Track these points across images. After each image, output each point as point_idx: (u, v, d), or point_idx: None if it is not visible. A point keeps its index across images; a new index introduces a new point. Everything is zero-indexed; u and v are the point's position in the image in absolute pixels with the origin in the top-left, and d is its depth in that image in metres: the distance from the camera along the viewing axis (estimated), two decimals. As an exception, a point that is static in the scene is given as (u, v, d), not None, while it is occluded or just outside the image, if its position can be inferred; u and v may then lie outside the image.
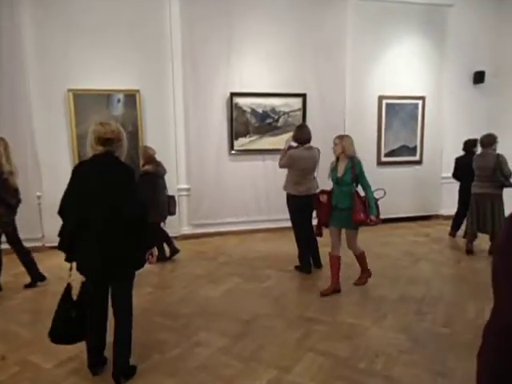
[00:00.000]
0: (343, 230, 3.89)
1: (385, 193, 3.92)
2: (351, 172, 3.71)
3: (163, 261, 4.99)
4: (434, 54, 6.80)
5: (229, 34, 5.83)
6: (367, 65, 6.50)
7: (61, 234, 2.27)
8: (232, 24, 5.82)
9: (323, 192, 3.94)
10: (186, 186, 6.05)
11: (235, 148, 6.08)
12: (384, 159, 6.81)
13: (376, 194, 3.87)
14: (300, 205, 4.36)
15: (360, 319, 3.40)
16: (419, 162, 6.98)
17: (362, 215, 3.65)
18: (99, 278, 2.39)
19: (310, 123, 6.16)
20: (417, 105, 6.82)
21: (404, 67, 6.67)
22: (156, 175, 4.76)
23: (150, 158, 4.79)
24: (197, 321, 3.42)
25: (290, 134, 4.60)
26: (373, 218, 3.71)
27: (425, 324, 3.32)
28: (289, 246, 5.08)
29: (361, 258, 4.07)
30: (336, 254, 3.93)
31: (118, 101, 5.61)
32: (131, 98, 5.63)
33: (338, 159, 3.83)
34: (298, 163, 4.26)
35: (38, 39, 5.27)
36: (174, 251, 5.06)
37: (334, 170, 3.83)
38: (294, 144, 4.45)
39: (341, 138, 3.81)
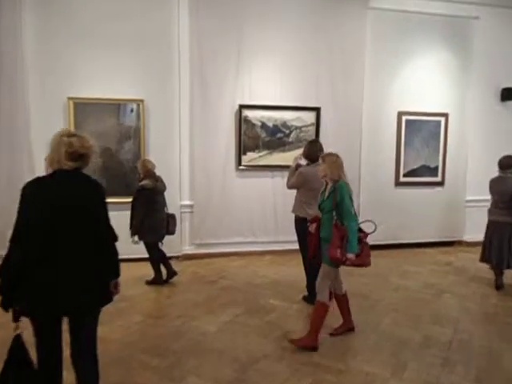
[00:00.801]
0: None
1: (376, 227, 3.13)
2: (333, 198, 3.08)
3: (160, 284, 4.58)
4: (458, 68, 6.37)
5: (239, 43, 5.52)
6: (386, 78, 6.10)
7: (4, 271, 1.84)
8: (243, 33, 5.51)
9: (314, 220, 3.34)
10: (189, 203, 5.67)
11: (243, 163, 5.69)
12: (403, 179, 6.33)
13: (366, 227, 3.21)
14: (308, 230, 3.91)
15: (377, 367, 2.91)
16: (441, 184, 6.48)
17: (338, 252, 2.96)
18: (58, 316, 1.94)
19: (323, 139, 5.77)
20: (439, 122, 6.35)
21: (426, 82, 6.25)
22: (154, 191, 4.39)
23: (149, 172, 4.44)
24: (187, 361, 2.97)
25: (300, 151, 4.19)
26: (350, 256, 2.96)
27: (454, 378, 2.81)
28: (297, 272, 4.61)
29: (340, 300, 3.45)
30: (338, 292, 3.44)
31: (132, 111, 5.32)
32: (134, 108, 5.31)
33: (326, 182, 3.26)
34: (309, 182, 3.85)
35: (40, 45, 5.02)
36: (172, 274, 4.64)
37: (322, 192, 3.29)
38: (303, 162, 4.05)
39: (323, 157, 3.23)
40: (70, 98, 5.11)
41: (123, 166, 5.37)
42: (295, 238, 4.16)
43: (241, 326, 3.59)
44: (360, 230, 3.15)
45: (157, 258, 4.57)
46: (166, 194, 5.46)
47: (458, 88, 6.40)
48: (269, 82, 5.68)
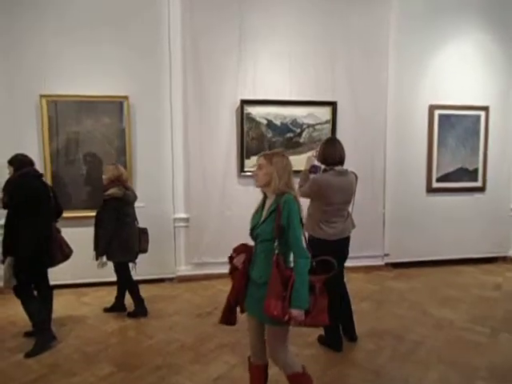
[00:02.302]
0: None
1: (335, 266, 2.17)
2: (274, 220, 2.03)
3: (120, 311, 3.91)
4: (501, 54, 5.39)
5: (240, 30, 4.69)
6: (415, 67, 5.17)
7: None
8: (245, 17, 4.68)
9: (241, 249, 2.25)
10: (184, 216, 4.85)
11: (246, 169, 4.84)
12: (436, 185, 5.37)
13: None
14: (327, 254, 3.03)
15: None
16: (481, 189, 5.49)
17: (278, 306, 1.93)
18: None
19: (341, 139, 4.91)
20: (478, 117, 5.39)
21: (462, 70, 5.30)
22: (125, 201, 3.64)
23: (118, 179, 3.66)
24: None
25: (313, 152, 3.31)
26: (296, 314, 1.94)
27: None
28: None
29: (293, 381, 2.17)
30: (255, 362, 2.23)
31: (121, 109, 4.54)
32: (117, 106, 4.54)
33: (265, 195, 2.23)
34: (328, 194, 2.97)
35: (7, 34, 4.30)
36: (139, 312, 3.84)
37: (257, 212, 2.22)
38: (319, 164, 3.18)
39: (268, 157, 2.13)
40: (42, 96, 4.37)
41: (106, 173, 4.59)
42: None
43: (236, 383, 2.72)
44: (313, 270, 2.09)
45: (129, 282, 3.85)
46: (158, 206, 4.72)
47: (500, 77, 5.42)
48: (276, 74, 4.83)
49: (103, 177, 3.75)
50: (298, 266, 2.00)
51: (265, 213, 2.13)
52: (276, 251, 2.02)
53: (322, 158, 3.05)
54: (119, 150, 4.58)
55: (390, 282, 4.81)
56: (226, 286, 4.66)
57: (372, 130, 5.07)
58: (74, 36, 4.39)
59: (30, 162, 3.31)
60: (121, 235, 3.60)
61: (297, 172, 4.50)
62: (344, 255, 3.19)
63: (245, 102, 4.73)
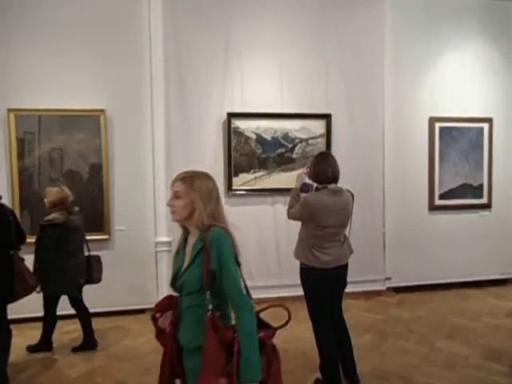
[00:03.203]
0: None
1: (289, 315, 1.70)
2: (202, 264, 1.53)
3: (44, 351, 3.47)
4: (503, 64, 5.11)
5: (227, 38, 4.38)
6: (413, 76, 4.86)
7: None
8: (231, 25, 4.38)
9: (166, 305, 1.69)
10: (166, 239, 4.43)
11: (234, 187, 4.47)
12: (439, 202, 5.01)
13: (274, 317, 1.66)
14: (322, 284, 2.65)
15: None
16: (487, 206, 5.13)
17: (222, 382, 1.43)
18: None
19: (336, 154, 4.49)
20: (481, 129, 5.07)
21: (462, 80, 5.00)
22: (65, 227, 3.27)
23: (60, 202, 3.31)
24: None
25: (304, 168, 2.94)
26: None
27: None
28: (307, 334, 3.31)
29: None
30: None
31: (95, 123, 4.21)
32: (93, 120, 4.18)
33: (185, 229, 1.70)
34: (320, 216, 2.59)
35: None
36: (89, 343, 3.50)
37: (178, 253, 1.70)
38: (311, 182, 2.82)
39: (187, 181, 1.61)
40: (10, 110, 4.01)
41: (87, 195, 4.19)
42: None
43: None
44: (263, 324, 1.59)
45: (50, 319, 3.49)
46: (138, 229, 4.34)
47: (503, 88, 5.12)
48: (265, 85, 4.50)
49: (45, 200, 3.38)
50: (243, 323, 1.47)
51: (188, 255, 1.59)
52: (209, 306, 1.50)
53: (314, 174, 2.68)
54: (95, 167, 4.21)
55: (394, 310, 4.38)
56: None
57: (369, 143, 4.73)
58: (46, 46, 4.07)
59: None
60: (58, 265, 3.21)
61: (288, 190, 4.15)
62: (342, 285, 2.80)
63: (232, 116, 4.39)
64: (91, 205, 4.18)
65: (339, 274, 2.71)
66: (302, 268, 2.74)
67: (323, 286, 2.67)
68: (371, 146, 4.74)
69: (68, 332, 3.84)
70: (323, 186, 2.63)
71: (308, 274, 2.68)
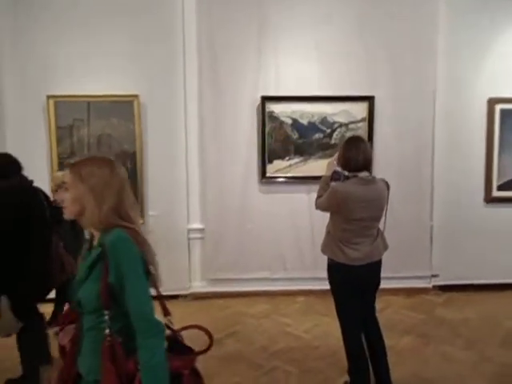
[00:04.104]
0: None
1: (211, 342, 1.46)
2: (100, 276, 1.24)
3: None
4: None
5: (261, 13, 4.12)
6: (469, 52, 4.33)
7: None
8: (265, 2, 4.14)
9: (72, 317, 1.40)
10: (199, 226, 4.38)
11: (268, 174, 4.29)
12: (496, 194, 4.48)
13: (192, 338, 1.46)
14: (351, 282, 2.42)
15: None
16: (555, 199, 4.53)
17: None
18: None
19: (380, 139, 4.25)
20: (551, 111, 4.45)
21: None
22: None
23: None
24: None
25: (335, 155, 2.68)
26: None
27: None
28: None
29: None
30: None
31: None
32: (127, 106, 4.17)
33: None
34: (349, 207, 2.34)
35: (13, 33, 4.08)
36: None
37: (83, 259, 1.38)
38: (341, 170, 2.56)
39: (74, 169, 1.31)
40: (49, 97, 4.10)
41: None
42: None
43: None
44: (181, 349, 1.38)
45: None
46: (170, 216, 4.32)
47: None
48: (302, 66, 4.22)
49: (51, 184, 3.32)
50: (145, 353, 1.18)
51: (87, 263, 1.28)
52: (106, 330, 1.22)
53: (343, 161, 2.43)
54: (128, 154, 4.21)
55: (440, 311, 4.02)
56: (244, 307, 4.18)
57: (417, 128, 4.32)
58: (81, 35, 4.07)
59: (17, 167, 2.74)
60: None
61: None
62: (374, 284, 2.54)
63: (266, 99, 4.18)
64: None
65: (371, 271, 2.45)
66: (329, 264, 2.52)
67: (352, 285, 2.44)
68: (419, 131, 4.33)
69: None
70: (353, 175, 2.37)
71: (335, 271, 2.46)
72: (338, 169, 2.57)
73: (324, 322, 3.73)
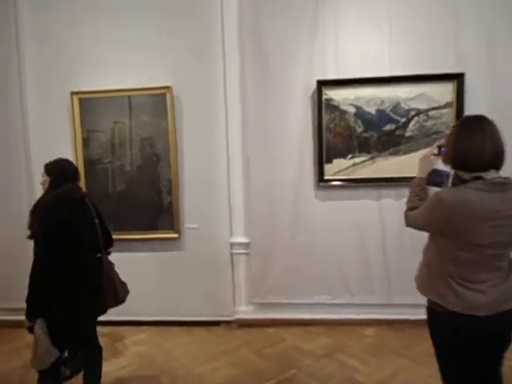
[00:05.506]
0: None
1: None
2: None
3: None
4: None
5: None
6: None
7: None
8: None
9: None
10: (243, 240, 3.68)
11: (327, 177, 3.49)
12: None
13: None
14: (469, 340, 1.57)
15: None
16: None
17: None
18: None
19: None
20: None
21: None
22: None
23: None
24: None
25: (435, 146, 1.84)
26: None
27: None
28: (433, 378, 2.23)
29: None
30: None
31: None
32: (159, 99, 3.57)
33: None
34: (467, 226, 1.49)
35: (38, 30, 3.65)
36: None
37: None
38: (446, 168, 1.73)
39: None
40: (74, 93, 3.61)
41: (149, 186, 3.66)
42: (420, 300, 1.79)
43: None
44: None
45: None
46: (210, 227, 3.72)
47: None
48: (367, 41, 3.39)
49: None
50: None
51: None
52: None
53: (454, 155, 1.58)
54: (160, 154, 3.61)
55: None
56: (300, 340, 3.39)
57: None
58: (104, 20, 3.56)
59: (73, 175, 2.33)
60: None
61: (401, 180, 3.09)
62: (503, 343, 1.66)
63: (323, 84, 3.39)
64: (158, 198, 3.62)
65: (500, 325, 1.58)
66: (430, 310, 1.68)
67: (469, 343, 1.59)
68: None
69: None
70: (475, 176, 1.52)
71: (443, 322, 1.62)
72: (441, 167, 1.74)
73: (404, 366, 2.87)
